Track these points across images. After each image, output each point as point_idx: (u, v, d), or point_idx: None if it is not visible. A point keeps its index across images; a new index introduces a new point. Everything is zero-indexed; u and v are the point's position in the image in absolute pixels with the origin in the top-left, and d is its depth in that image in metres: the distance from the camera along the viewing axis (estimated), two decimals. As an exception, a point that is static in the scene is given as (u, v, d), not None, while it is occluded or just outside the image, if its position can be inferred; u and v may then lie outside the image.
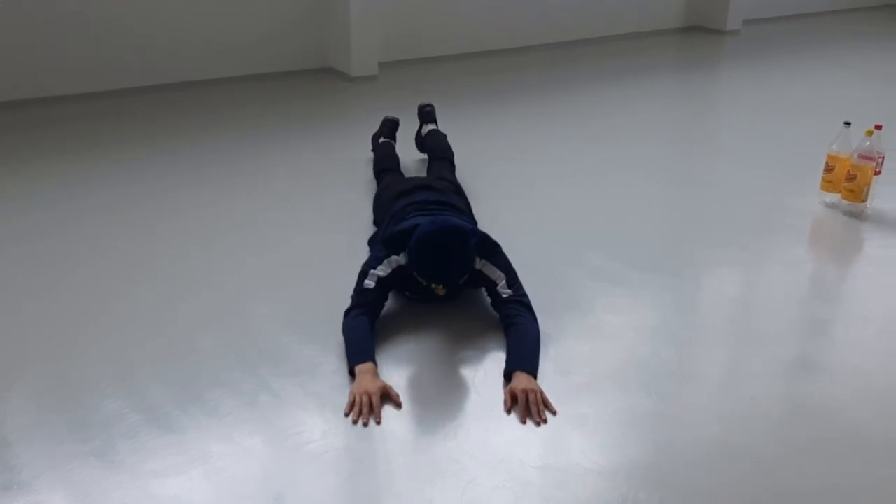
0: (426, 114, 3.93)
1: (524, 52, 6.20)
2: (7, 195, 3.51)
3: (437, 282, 2.50)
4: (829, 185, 3.62)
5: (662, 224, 3.47)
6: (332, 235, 3.22)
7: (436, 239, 2.43)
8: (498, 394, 2.30)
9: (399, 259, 2.55)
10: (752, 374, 2.44)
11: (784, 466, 2.07)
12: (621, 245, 3.21)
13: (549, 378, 2.36)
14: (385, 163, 3.60)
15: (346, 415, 2.17)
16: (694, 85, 5.80)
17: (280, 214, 3.41)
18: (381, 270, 2.53)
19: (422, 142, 3.85)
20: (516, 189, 3.71)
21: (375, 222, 3.15)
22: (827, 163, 3.61)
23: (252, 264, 2.99)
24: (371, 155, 3.79)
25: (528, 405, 2.20)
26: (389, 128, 3.86)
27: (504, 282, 2.56)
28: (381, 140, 3.81)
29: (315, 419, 2.17)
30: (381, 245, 2.63)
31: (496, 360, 2.42)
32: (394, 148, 3.76)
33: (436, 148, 3.67)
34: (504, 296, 2.54)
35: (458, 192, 3.20)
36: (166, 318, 2.62)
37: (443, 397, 2.29)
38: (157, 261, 3.00)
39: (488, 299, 2.63)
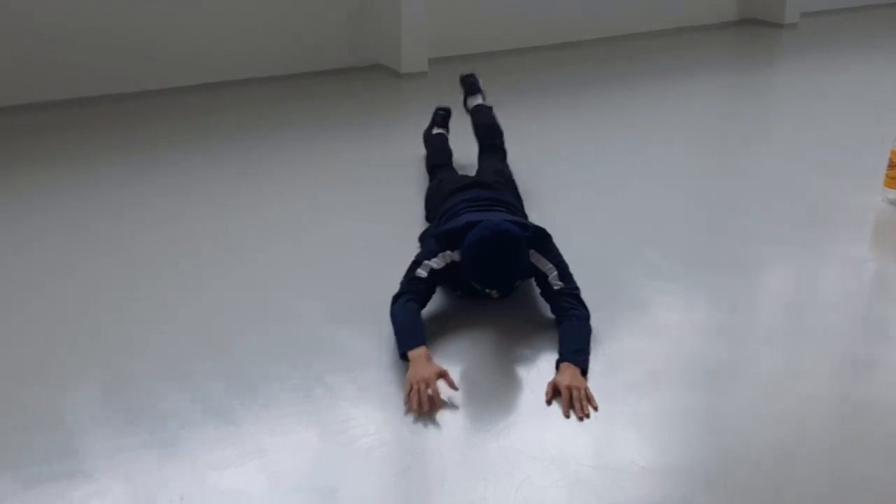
0: (469, 84, 3.76)
1: (573, 47, 6.14)
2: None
3: (492, 287, 2.50)
4: (892, 181, 3.51)
5: (718, 221, 3.40)
6: (385, 230, 3.23)
7: (490, 246, 2.41)
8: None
9: (454, 255, 2.54)
10: (809, 373, 2.39)
11: (844, 466, 2.02)
12: (677, 243, 3.16)
13: (603, 375, 2.34)
14: (438, 158, 3.56)
15: (406, 403, 2.17)
16: (751, 81, 5.67)
17: (336, 208, 3.43)
18: (436, 263, 2.52)
19: (471, 119, 3.75)
20: (570, 188, 3.66)
21: (428, 218, 3.14)
22: (891, 159, 3.51)
23: (307, 258, 3.02)
24: (424, 152, 3.73)
25: (570, 400, 2.19)
26: (442, 117, 3.79)
27: (555, 273, 2.53)
28: (435, 132, 3.74)
29: (368, 413, 2.18)
30: (433, 240, 2.62)
31: (550, 359, 2.39)
32: (447, 141, 3.70)
33: (484, 132, 3.58)
34: (556, 287, 2.51)
35: (511, 187, 3.17)
36: (220, 313, 2.66)
37: (496, 394, 2.29)
38: (213, 256, 3.04)
39: (538, 290, 2.61)
